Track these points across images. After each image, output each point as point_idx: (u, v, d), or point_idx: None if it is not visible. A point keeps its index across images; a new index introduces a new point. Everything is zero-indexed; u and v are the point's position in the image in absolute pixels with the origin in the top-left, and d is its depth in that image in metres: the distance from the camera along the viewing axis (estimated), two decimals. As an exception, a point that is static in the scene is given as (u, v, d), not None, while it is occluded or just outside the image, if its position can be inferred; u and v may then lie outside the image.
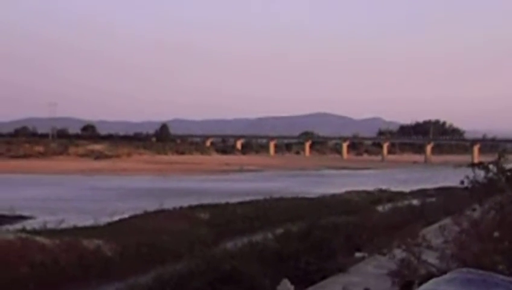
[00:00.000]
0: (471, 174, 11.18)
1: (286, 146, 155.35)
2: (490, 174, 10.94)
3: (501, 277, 0.58)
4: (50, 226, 25.17)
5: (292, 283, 13.83)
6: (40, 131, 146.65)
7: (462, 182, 11.66)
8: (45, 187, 57.05)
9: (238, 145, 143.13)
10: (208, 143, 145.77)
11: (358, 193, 42.37)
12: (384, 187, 46.80)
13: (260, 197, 37.66)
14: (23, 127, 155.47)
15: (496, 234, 8.66)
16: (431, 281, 0.67)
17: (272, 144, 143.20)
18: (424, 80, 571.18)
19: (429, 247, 11.76)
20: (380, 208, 33.17)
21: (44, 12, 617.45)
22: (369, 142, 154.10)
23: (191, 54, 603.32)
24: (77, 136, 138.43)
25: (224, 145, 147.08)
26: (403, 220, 23.30)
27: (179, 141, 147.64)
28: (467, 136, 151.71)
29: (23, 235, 22.40)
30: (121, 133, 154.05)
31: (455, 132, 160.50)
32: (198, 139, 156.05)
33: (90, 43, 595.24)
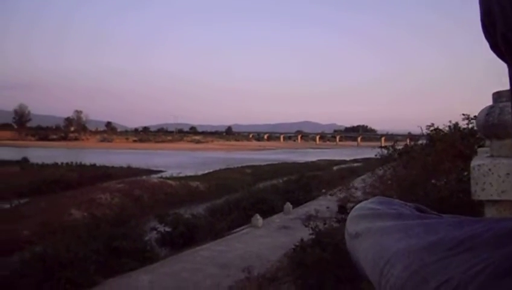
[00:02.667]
0: (379, 152, 12.74)
1: (289, 137, 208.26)
2: (389, 151, 12.15)
3: (397, 200, 0.66)
4: (174, 175, 31.54)
5: (291, 203, 17.83)
6: (169, 129, 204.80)
7: (375, 155, 13.44)
8: (171, 156, 69.50)
9: (265, 137, 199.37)
10: (250, 136, 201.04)
11: (323, 160, 53.61)
12: (336, 158, 59.93)
13: (275, 162, 48.91)
14: (161, 127, 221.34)
15: (389, 182, 9.65)
16: (360, 203, 0.77)
17: (281, 136, 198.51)
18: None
19: (356, 188, 15.04)
20: (334, 168, 40.26)
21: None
22: (329, 136, 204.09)
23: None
24: (187, 132, 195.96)
25: (258, 137, 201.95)
26: (346, 174, 28.88)
27: (236, 134, 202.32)
28: (378, 133, 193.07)
29: (161, 179, 29.61)
30: (208, 130, 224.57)
31: (372, 130, 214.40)
32: (245, 134, 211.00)
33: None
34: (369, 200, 0.57)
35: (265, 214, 16.05)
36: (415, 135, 15.52)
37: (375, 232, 0.48)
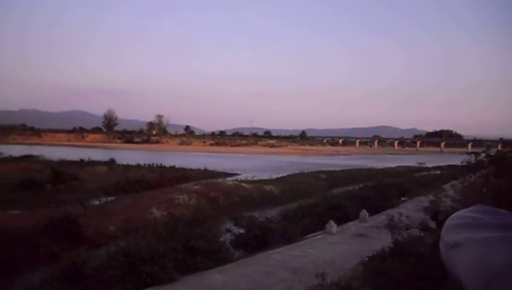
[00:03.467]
0: (466, 158, 11.83)
1: (365, 142, 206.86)
2: (479, 158, 11.24)
3: (502, 210, 0.59)
4: (248, 178, 32.72)
5: (367, 211, 17.03)
6: (245, 133, 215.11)
7: (462, 162, 12.31)
8: (246, 160, 70.67)
9: (340, 141, 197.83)
10: (325, 140, 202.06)
11: (403, 167, 51.40)
12: (417, 164, 57.25)
13: (350, 168, 47.82)
14: (237, 131, 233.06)
15: (484, 189, 9.20)
16: (457, 212, 0.68)
17: (357, 141, 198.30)
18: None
19: (446, 195, 16.09)
20: (416, 174, 38.05)
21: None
22: (409, 141, 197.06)
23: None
24: (262, 136, 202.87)
25: (333, 141, 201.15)
26: (429, 181, 26.91)
27: (310, 139, 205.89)
28: (464, 138, 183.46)
29: (236, 182, 30.17)
30: (282, 134, 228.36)
31: (457, 136, 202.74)
32: (319, 138, 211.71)
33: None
34: (469, 209, 0.54)
35: (339, 221, 15.66)
36: (508, 141, 14.25)
37: (478, 243, 0.45)
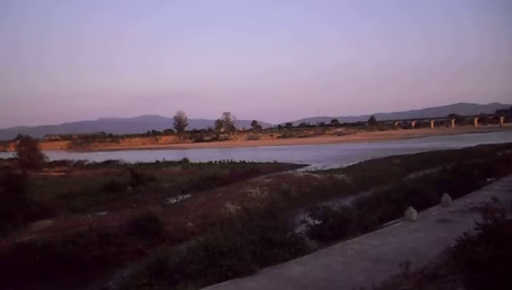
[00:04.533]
0: None
1: (440, 123, 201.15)
2: None
3: None
4: (319, 168, 32.48)
5: (449, 195, 15.92)
6: (311, 123, 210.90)
7: None
8: (315, 150, 70.19)
9: (413, 124, 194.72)
10: (396, 124, 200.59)
11: (485, 145, 47.73)
12: (501, 142, 52.24)
13: (426, 151, 44.71)
14: (303, 122, 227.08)
15: None
16: None
17: (432, 122, 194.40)
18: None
19: None
20: (499, 153, 35.13)
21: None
22: (491, 117, 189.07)
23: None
24: (329, 125, 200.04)
25: (405, 124, 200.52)
26: None
27: (380, 124, 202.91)
28: None
29: (307, 173, 30.30)
30: (350, 121, 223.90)
31: None
32: (390, 122, 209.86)
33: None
34: None
35: (419, 207, 14.89)
36: None
37: None
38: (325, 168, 31.45)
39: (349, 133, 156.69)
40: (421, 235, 11.51)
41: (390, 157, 37.69)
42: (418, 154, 41.56)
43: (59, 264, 14.32)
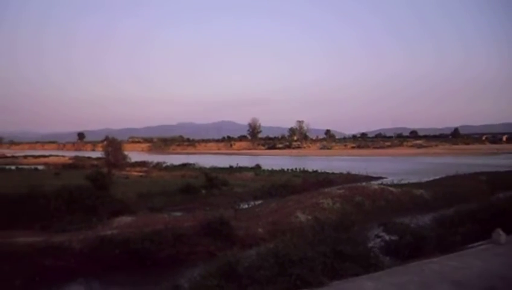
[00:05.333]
0: None
1: None
2: None
3: None
4: (395, 181, 31.35)
5: None
6: (388, 134, 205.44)
7: None
8: (391, 163, 67.51)
9: (504, 138, 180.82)
10: (484, 138, 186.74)
11: None
12: None
13: None
14: (379, 133, 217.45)
15: None
16: None
17: None
18: None
19: None
20: None
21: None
22: None
23: None
24: (407, 137, 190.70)
25: (494, 138, 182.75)
26: None
27: (465, 137, 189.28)
28: None
29: (382, 186, 29.24)
30: (431, 134, 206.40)
31: None
32: (476, 136, 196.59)
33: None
34: None
35: (509, 230, 13.59)
36: None
37: None
38: (402, 181, 30.07)
39: (430, 146, 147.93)
40: (510, 261, 10.52)
41: (475, 174, 34.85)
42: (508, 171, 37.87)
43: (136, 259, 15.24)
